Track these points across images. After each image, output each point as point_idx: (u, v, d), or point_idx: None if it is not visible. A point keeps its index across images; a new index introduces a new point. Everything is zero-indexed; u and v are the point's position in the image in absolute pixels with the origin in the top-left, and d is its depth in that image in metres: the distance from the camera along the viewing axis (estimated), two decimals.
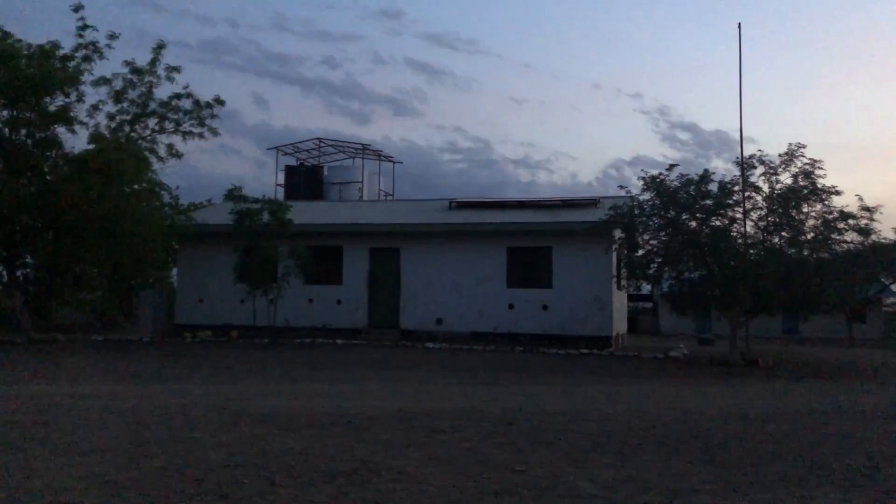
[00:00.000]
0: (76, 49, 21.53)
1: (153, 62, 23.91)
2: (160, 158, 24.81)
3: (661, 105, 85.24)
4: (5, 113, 20.41)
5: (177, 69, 24.06)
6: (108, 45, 22.07)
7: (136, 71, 23.77)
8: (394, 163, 32.77)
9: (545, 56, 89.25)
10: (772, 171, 16.83)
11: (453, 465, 5.82)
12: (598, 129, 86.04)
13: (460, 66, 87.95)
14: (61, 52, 21.08)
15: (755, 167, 16.98)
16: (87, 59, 21.64)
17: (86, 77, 21.86)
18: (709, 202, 16.78)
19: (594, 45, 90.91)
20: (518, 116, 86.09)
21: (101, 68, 28.35)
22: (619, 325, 21.48)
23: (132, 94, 24.13)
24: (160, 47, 23.83)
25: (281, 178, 30.14)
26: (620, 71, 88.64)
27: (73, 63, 21.24)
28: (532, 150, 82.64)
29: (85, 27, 21.67)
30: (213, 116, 24.86)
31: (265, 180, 69.94)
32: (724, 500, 5.05)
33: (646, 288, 23.29)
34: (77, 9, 21.77)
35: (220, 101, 24.98)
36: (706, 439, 7.10)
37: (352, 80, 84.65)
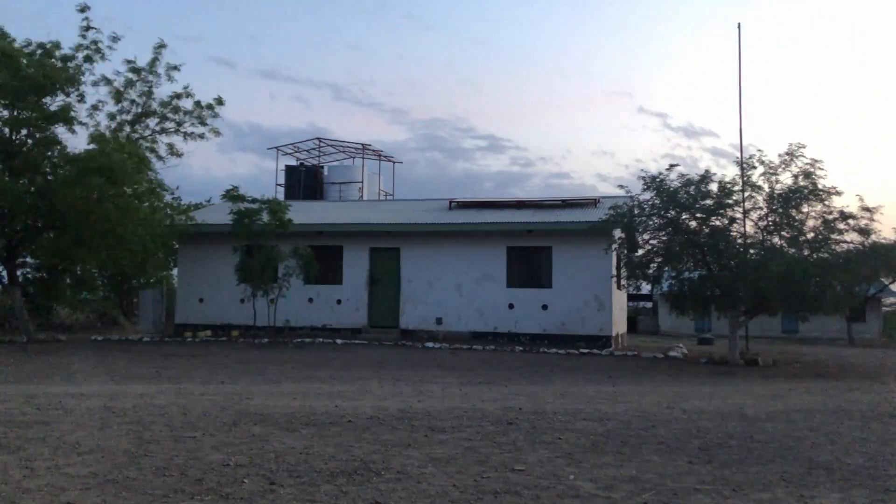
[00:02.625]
0: (78, 49, 21.48)
1: (153, 62, 23.89)
2: (161, 158, 24.81)
3: (629, 91, 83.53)
4: (5, 113, 20.36)
5: (177, 68, 24.04)
6: (110, 47, 22.05)
7: (135, 70, 23.76)
8: (394, 163, 32.80)
9: (500, 33, 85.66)
10: (772, 171, 16.84)
11: (453, 465, 5.82)
12: (568, 117, 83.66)
13: (407, 45, 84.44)
14: (62, 52, 21.02)
15: (755, 167, 16.99)
16: (88, 59, 21.59)
17: (86, 77, 21.82)
18: (709, 202, 16.78)
19: (555, 20, 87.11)
20: (478, 99, 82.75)
21: (101, 68, 28.30)
22: (619, 324, 21.49)
23: (132, 95, 24.12)
24: (161, 47, 23.83)
25: (281, 178, 30.15)
26: (589, 51, 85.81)
27: (73, 63, 21.19)
28: (499, 137, 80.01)
29: (88, 28, 21.64)
30: (214, 116, 24.85)
31: (205, 167, 68.39)
32: (724, 500, 5.06)
33: (646, 288, 23.27)
34: (83, 9, 21.74)
35: (220, 101, 24.97)
36: (706, 439, 7.11)
37: (281, 63, 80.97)
